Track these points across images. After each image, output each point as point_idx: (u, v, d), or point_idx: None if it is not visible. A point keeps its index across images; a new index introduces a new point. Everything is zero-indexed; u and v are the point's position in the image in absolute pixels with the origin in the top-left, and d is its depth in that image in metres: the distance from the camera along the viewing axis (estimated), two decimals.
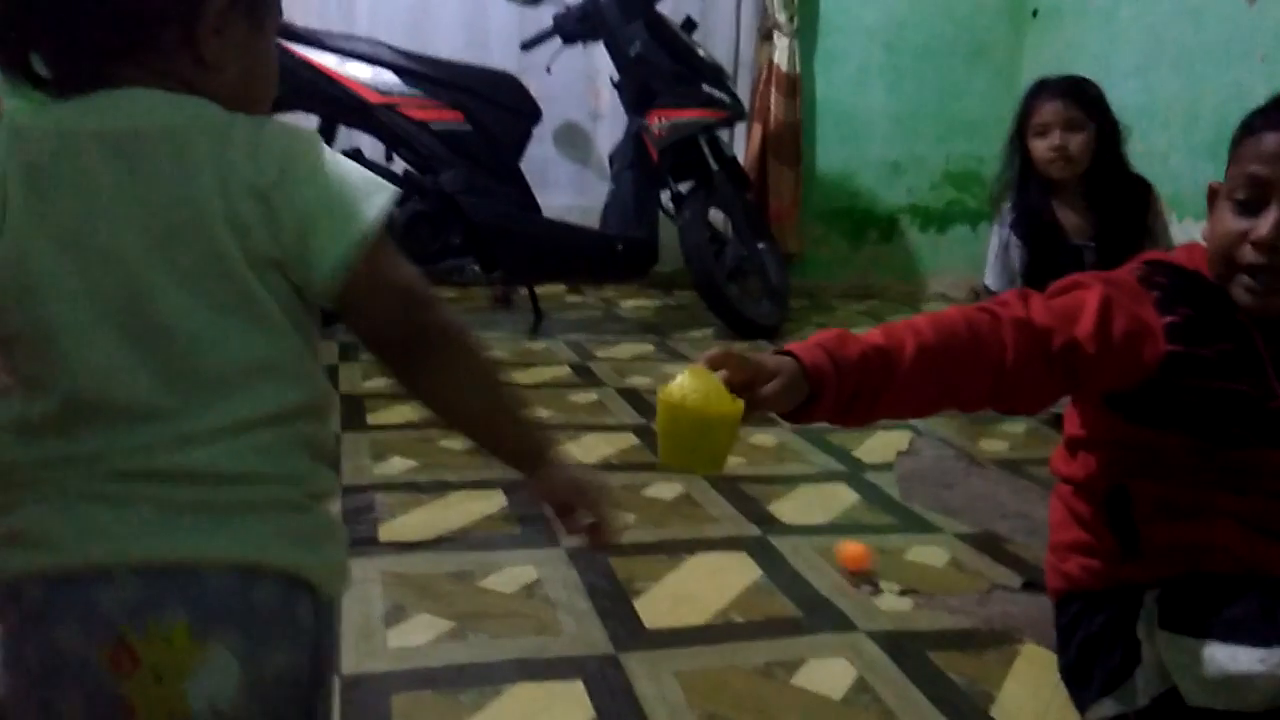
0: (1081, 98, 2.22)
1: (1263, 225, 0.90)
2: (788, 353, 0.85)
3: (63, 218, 0.58)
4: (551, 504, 0.72)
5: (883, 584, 1.50)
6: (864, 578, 1.51)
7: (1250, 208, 0.92)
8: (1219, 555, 0.95)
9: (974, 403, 0.95)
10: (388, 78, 2.99)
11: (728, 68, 3.76)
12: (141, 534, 0.56)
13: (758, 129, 4.07)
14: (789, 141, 4.09)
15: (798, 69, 4.08)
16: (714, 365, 0.82)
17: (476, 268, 3.13)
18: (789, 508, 1.81)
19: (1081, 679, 1.05)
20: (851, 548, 1.56)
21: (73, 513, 0.57)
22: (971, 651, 1.31)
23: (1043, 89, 2.26)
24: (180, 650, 0.55)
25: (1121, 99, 3.50)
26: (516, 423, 0.70)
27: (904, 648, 1.31)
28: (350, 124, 3.09)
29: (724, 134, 3.62)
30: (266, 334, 0.60)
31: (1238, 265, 0.93)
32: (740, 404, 0.80)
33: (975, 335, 0.91)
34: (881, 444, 2.19)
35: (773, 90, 4.04)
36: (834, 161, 4.27)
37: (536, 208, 3.27)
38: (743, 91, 3.91)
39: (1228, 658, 0.87)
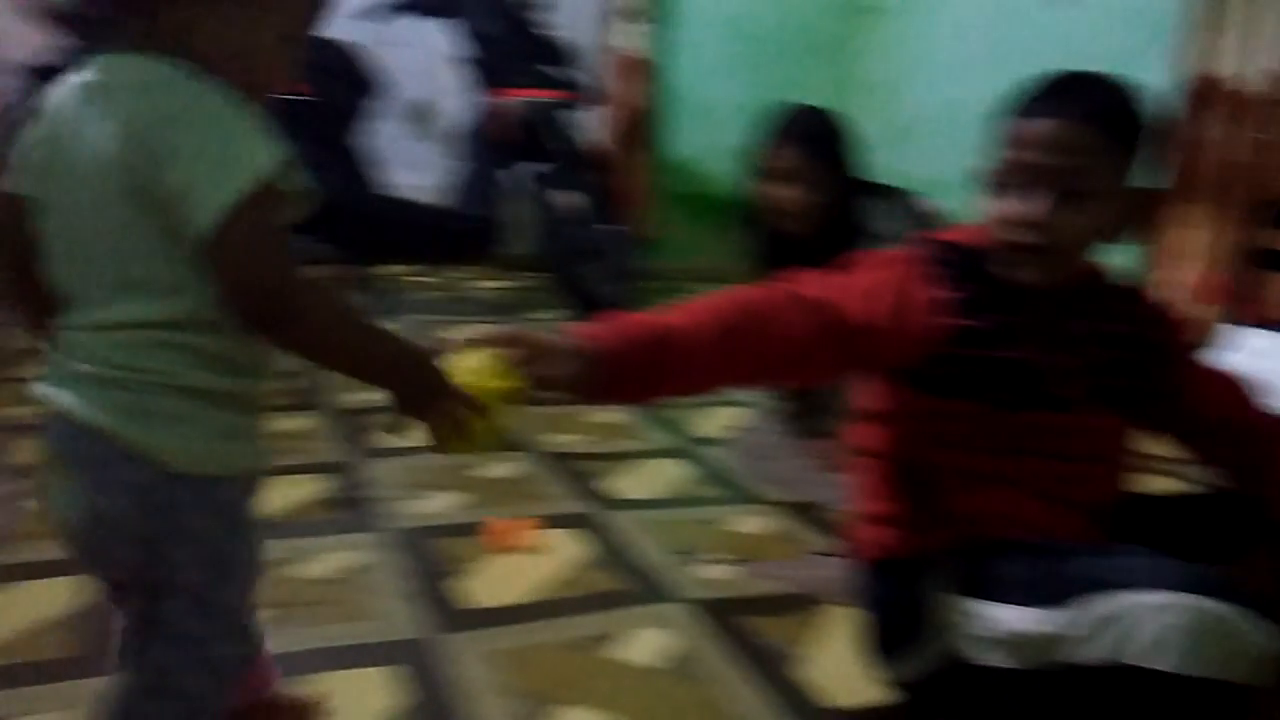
0: (827, 152, 1.83)
1: (1033, 208, 0.96)
2: (582, 335, 0.86)
3: (56, 149, 0.78)
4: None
5: (709, 555, 1.53)
6: (515, 550, 1.50)
7: (1021, 190, 0.97)
8: (1006, 520, 1.01)
9: (767, 378, 0.97)
10: None
11: (582, 50, 3.75)
12: (60, 384, 0.79)
13: (610, 112, 4.08)
14: (641, 126, 4.11)
15: (651, 55, 4.10)
16: (505, 344, 0.82)
17: (324, 246, 3.01)
18: (622, 484, 1.82)
19: (882, 642, 1.09)
20: (499, 523, 1.54)
21: (49, 362, 0.82)
22: (787, 616, 1.35)
23: (789, 131, 1.84)
24: (56, 470, 0.79)
25: (938, 97, 3.71)
26: (381, 365, 0.80)
27: (724, 615, 1.34)
28: None
29: (576, 116, 3.61)
30: (146, 257, 0.75)
31: (1013, 243, 0.98)
32: (516, 381, 0.80)
33: (769, 313, 0.94)
34: (714, 420, 2.23)
35: (626, 75, 4.06)
36: (685, 147, 4.32)
37: (377, 184, 3.19)
38: (596, 75, 3.91)
39: (1004, 618, 0.93)
